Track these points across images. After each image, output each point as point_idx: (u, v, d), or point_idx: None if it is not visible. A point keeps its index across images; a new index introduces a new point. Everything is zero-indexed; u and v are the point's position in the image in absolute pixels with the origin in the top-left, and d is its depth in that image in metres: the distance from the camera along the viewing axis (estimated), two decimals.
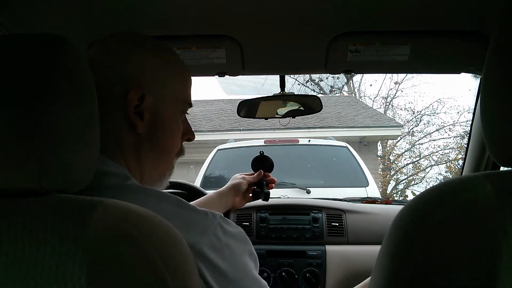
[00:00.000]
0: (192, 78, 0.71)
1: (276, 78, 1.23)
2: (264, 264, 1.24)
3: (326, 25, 0.92)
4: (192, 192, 1.40)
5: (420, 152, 13.06)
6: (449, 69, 1.14)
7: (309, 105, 1.31)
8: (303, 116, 1.76)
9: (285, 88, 1.23)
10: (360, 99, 12.25)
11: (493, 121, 0.44)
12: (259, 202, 1.23)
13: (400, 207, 0.51)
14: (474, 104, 1.25)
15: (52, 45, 0.43)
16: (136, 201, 0.46)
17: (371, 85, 19.26)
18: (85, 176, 0.46)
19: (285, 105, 1.30)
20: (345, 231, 1.30)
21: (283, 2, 0.82)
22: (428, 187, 0.48)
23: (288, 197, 2.22)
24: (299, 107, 1.31)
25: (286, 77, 1.22)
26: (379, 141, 10.11)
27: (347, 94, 12.75)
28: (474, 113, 1.25)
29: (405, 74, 12.67)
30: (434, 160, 12.68)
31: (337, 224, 1.31)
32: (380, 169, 10.79)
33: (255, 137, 5.57)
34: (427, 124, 13.58)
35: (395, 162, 12.87)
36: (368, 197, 2.05)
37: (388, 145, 12.87)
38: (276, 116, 1.32)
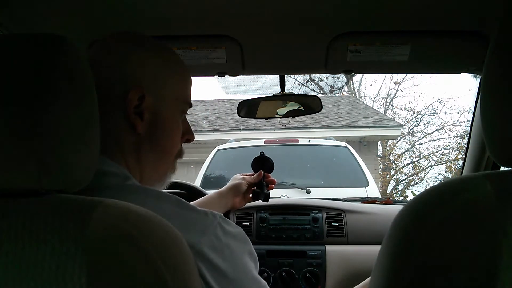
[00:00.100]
0: (192, 78, 0.71)
1: (276, 78, 1.23)
2: (264, 264, 1.24)
3: (326, 25, 0.92)
4: (192, 192, 1.40)
5: (420, 152, 13.07)
6: (449, 69, 1.14)
7: (309, 105, 1.31)
8: (303, 116, 1.76)
9: (285, 88, 1.23)
10: (360, 99, 12.24)
11: (493, 121, 0.44)
12: (259, 202, 1.23)
13: (400, 207, 0.51)
14: (474, 104, 1.25)
15: (52, 45, 0.43)
16: (136, 201, 0.46)
17: (371, 85, 19.28)
18: (85, 176, 0.46)
19: (285, 105, 1.30)
20: (345, 231, 1.30)
21: (283, 2, 0.82)
22: (428, 187, 0.48)
23: (288, 197, 2.22)
24: (299, 107, 1.31)
25: (286, 77, 1.22)
26: (379, 141, 10.11)
27: (347, 94, 12.75)
28: (474, 113, 1.25)
29: (405, 74, 12.68)
30: (434, 160, 12.69)
31: (337, 224, 1.31)
32: (380, 169, 10.79)
33: (255, 137, 5.57)
34: (427, 124, 13.61)
35: (395, 162, 12.88)
36: (368, 197, 2.05)
37: (388, 145, 12.87)
38: (276, 116, 1.32)
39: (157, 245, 0.41)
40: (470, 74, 1.20)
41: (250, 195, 1.22)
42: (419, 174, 12.60)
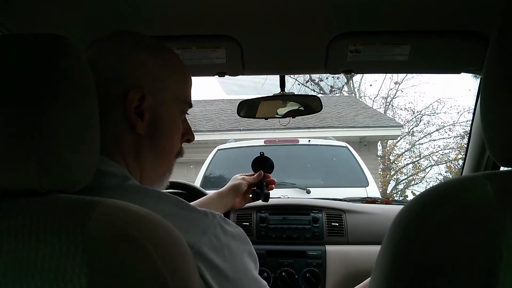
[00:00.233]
0: (192, 78, 0.71)
1: (276, 78, 1.23)
2: (264, 264, 1.24)
3: (326, 25, 0.92)
4: (192, 192, 1.40)
5: (420, 152, 13.07)
6: (449, 69, 1.14)
7: (309, 105, 1.31)
8: (303, 116, 1.76)
9: (285, 88, 1.23)
10: (360, 99, 12.24)
11: (493, 121, 0.44)
12: (259, 202, 1.23)
13: (400, 207, 0.51)
14: (474, 104, 1.25)
15: (52, 45, 0.43)
16: (136, 201, 0.46)
17: (371, 85, 19.28)
18: (85, 176, 0.46)
19: (285, 105, 1.30)
20: (345, 231, 1.30)
21: (283, 2, 0.82)
22: (428, 187, 0.48)
23: (288, 197, 2.22)
24: (299, 107, 1.31)
25: (286, 77, 1.22)
26: (379, 141, 10.11)
27: (347, 94, 12.75)
28: (474, 113, 1.25)
29: (405, 74, 12.68)
30: (434, 160, 12.69)
31: (337, 224, 1.31)
32: (380, 169, 10.79)
33: (255, 137, 5.57)
34: (427, 124, 13.61)
35: (395, 162, 12.88)
36: (368, 197, 2.05)
37: (388, 145, 12.87)
38: (276, 116, 1.32)
39: (157, 245, 0.41)
40: (470, 74, 1.20)
41: (250, 195, 1.22)
42: (419, 174, 12.60)
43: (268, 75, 1.50)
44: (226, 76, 1.15)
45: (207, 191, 1.39)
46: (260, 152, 1.27)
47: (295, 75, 9.57)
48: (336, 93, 12.36)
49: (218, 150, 3.88)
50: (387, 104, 14.00)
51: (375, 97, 14.82)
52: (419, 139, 13.22)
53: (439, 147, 13.08)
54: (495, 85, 0.44)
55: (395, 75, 13.42)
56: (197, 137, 0.74)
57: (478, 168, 1.25)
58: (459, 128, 12.94)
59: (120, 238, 0.40)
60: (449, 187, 0.43)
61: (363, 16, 0.89)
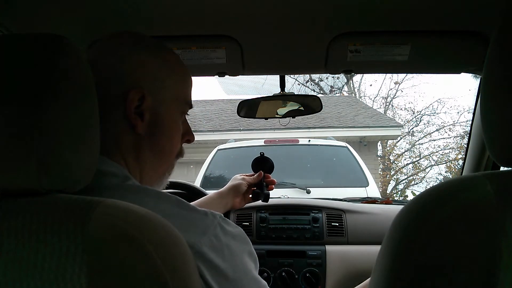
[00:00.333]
0: (192, 78, 0.71)
1: (276, 78, 1.23)
2: (264, 264, 1.24)
3: (326, 25, 0.92)
4: (192, 192, 1.40)
5: (420, 152, 13.07)
6: (449, 69, 1.14)
7: (309, 105, 1.31)
8: (303, 116, 1.76)
9: (285, 88, 1.23)
10: (360, 99, 12.24)
11: (493, 121, 0.44)
12: (259, 202, 1.23)
13: (400, 207, 0.51)
14: (474, 104, 1.25)
15: (52, 45, 0.43)
16: (136, 201, 0.46)
17: (371, 85, 19.29)
18: (85, 176, 0.46)
19: (285, 105, 1.30)
20: (345, 231, 1.30)
21: (283, 2, 0.82)
22: (428, 187, 0.48)
23: (288, 197, 2.22)
24: (299, 107, 1.31)
25: (286, 77, 1.22)
26: (379, 141, 10.11)
27: (347, 94, 12.75)
28: (474, 113, 1.25)
29: (405, 74, 12.68)
30: (434, 160, 12.69)
31: (337, 224, 1.31)
32: (380, 169, 10.79)
33: (255, 137, 5.57)
34: (427, 124, 13.60)
35: (395, 162, 12.88)
36: (368, 197, 2.05)
37: (388, 145, 12.87)
38: (276, 116, 1.32)
39: (157, 245, 0.41)
40: (470, 74, 1.20)
41: (250, 196, 1.22)
42: (419, 174, 12.60)
43: (268, 75, 1.50)
44: (226, 76, 1.15)
45: (207, 191, 1.39)
46: (260, 153, 1.27)
47: (295, 75, 9.57)
48: (336, 93, 12.36)
49: (218, 150, 3.88)
50: (387, 104, 14.02)
51: (375, 97, 14.83)
52: (419, 139, 13.23)
53: (439, 147, 13.09)
54: (495, 85, 0.44)
55: (395, 75, 13.43)
56: (197, 137, 0.74)
57: (478, 168, 1.25)
58: (459, 128, 12.96)
59: (120, 238, 0.40)
60: (449, 187, 0.43)
61: (363, 16, 0.89)
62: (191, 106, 0.68)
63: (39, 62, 0.41)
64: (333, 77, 11.43)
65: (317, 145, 3.84)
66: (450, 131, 13.10)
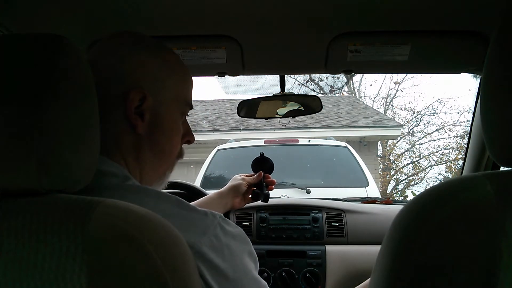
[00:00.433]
0: (192, 78, 0.71)
1: (276, 78, 1.23)
2: (264, 264, 1.24)
3: (326, 25, 0.92)
4: (192, 192, 1.40)
5: (420, 152, 13.07)
6: (449, 69, 1.14)
7: (309, 105, 1.31)
8: (303, 116, 1.76)
9: (285, 88, 1.23)
10: (360, 99, 12.24)
11: (493, 121, 0.45)
12: (259, 202, 1.23)
13: (400, 207, 0.51)
14: (474, 104, 1.25)
15: (52, 45, 0.43)
16: (136, 201, 0.46)
17: (371, 85, 19.29)
18: (85, 176, 0.46)
19: (285, 105, 1.30)
20: (345, 231, 1.30)
21: (283, 2, 0.82)
22: (428, 187, 0.48)
23: (288, 197, 2.22)
24: (299, 107, 1.31)
25: (286, 77, 1.22)
26: (379, 141, 10.11)
27: (347, 94, 12.74)
28: (474, 113, 1.25)
29: (405, 74, 12.68)
30: (434, 160, 12.69)
31: (337, 224, 1.31)
32: (380, 169, 10.79)
33: (255, 137, 5.57)
34: (427, 124, 13.60)
35: (395, 162, 12.87)
36: (368, 197, 2.05)
37: (388, 145, 12.87)
38: (276, 116, 1.32)
39: (157, 245, 0.41)
40: (470, 74, 1.20)
41: (250, 196, 1.22)
42: (419, 174, 12.60)
43: (268, 75, 1.50)
44: (226, 76, 1.15)
45: (207, 191, 1.39)
46: (260, 153, 1.27)
47: (295, 75, 9.57)
48: (336, 93, 12.36)
49: (218, 150, 3.88)
50: (387, 104, 14.01)
51: (375, 97, 14.85)
52: (419, 139, 13.23)
53: (439, 147, 13.09)
54: (495, 85, 0.44)
55: (395, 75, 13.43)
56: (197, 137, 0.74)
57: (478, 168, 1.25)
58: (459, 128, 12.96)
59: (120, 238, 0.40)
60: (449, 187, 0.43)
61: (363, 16, 0.89)
62: (191, 107, 0.68)
63: (39, 62, 0.41)
64: (333, 77, 11.43)
65: (317, 145, 3.84)
66: (450, 131, 13.12)
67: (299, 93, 2.96)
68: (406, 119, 13.64)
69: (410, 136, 13.25)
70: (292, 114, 1.32)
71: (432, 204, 0.43)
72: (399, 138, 12.32)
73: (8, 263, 0.38)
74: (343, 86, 12.72)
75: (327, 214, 1.33)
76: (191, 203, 0.58)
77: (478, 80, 1.24)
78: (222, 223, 0.57)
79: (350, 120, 8.03)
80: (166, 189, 0.71)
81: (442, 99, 18.89)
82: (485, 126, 0.46)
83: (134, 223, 0.41)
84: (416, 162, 12.88)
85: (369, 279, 0.68)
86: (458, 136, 12.63)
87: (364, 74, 11.61)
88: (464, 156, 1.35)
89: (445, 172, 12.39)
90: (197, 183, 3.40)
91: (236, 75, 1.15)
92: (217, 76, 1.15)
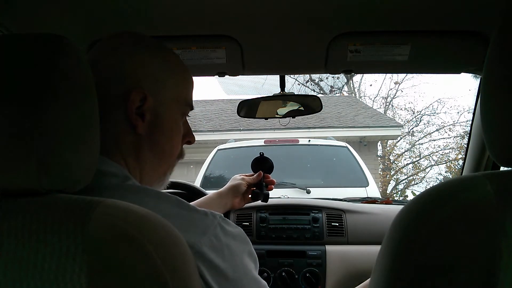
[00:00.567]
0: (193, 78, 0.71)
1: (276, 78, 1.23)
2: (264, 264, 1.24)
3: (326, 25, 0.92)
4: (192, 192, 1.40)
5: (420, 152, 13.07)
6: (449, 69, 1.14)
7: (309, 105, 1.31)
8: (303, 116, 1.76)
9: (285, 88, 1.23)
10: (360, 99, 12.24)
11: (493, 121, 0.45)
12: (259, 202, 1.23)
13: (400, 207, 0.51)
14: (474, 104, 1.25)
15: (52, 45, 0.43)
16: (136, 201, 0.46)
17: (371, 85, 19.30)
18: (85, 176, 0.46)
19: (285, 105, 1.30)
20: (345, 231, 1.30)
21: (283, 2, 0.82)
22: (428, 187, 0.48)
23: (288, 197, 2.22)
24: (299, 107, 1.31)
25: (286, 77, 1.22)
26: (379, 141, 10.11)
27: (347, 94, 12.74)
28: (474, 113, 1.25)
29: (405, 74, 12.68)
30: (434, 160, 12.69)
31: (337, 224, 1.31)
32: (380, 169, 10.79)
33: (255, 137, 5.57)
34: (427, 124, 13.61)
35: (395, 162, 12.88)
36: (368, 197, 2.05)
37: (388, 145, 12.87)
38: (276, 116, 1.32)
39: (157, 245, 0.41)
40: (470, 74, 1.20)
41: (250, 196, 1.22)
42: (419, 174, 12.60)
43: (268, 75, 1.50)
44: (226, 76, 1.15)
45: (207, 191, 1.39)
46: (260, 153, 1.27)
47: (295, 75, 9.57)
48: (336, 93, 12.36)
49: (218, 150, 3.88)
50: (387, 104, 14.02)
51: (375, 97, 14.85)
52: (419, 139, 13.23)
53: (439, 147, 13.10)
54: (495, 85, 0.44)
55: (395, 75, 13.43)
56: (197, 137, 0.74)
57: (478, 168, 1.25)
58: (459, 128, 12.96)
59: (120, 238, 0.40)
60: (449, 187, 0.43)
61: (363, 16, 0.89)
62: (192, 108, 0.68)
63: (39, 62, 0.41)
64: (333, 77, 11.43)
65: (317, 145, 3.84)
66: (450, 131, 13.12)
67: (299, 93, 2.96)
68: (406, 119, 13.66)
69: (410, 136, 13.27)
70: (292, 114, 1.32)
71: (432, 204, 0.43)
72: (399, 138, 12.33)
73: (8, 263, 0.38)
74: (343, 86, 12.72)
75: (327, 214, 1.33)
76: (190, 203, 0.58)
77: (478, 80, 1.24)
78: (222, 223, 0.57)
79: (350, 120, 8.03)
80: (166, 189, 0.71)
81: (442, 99, 18.92)
82: (485, 126, 0.46)
83: (134, 223, 0.41)
84: (416, 162, 12.88)
85: (369, 279, 0.68)
86: (458, 136, 12.65)
87: (364, 74, 11.62)
88: (464, 156, 1.35)
89: (445, 172, 12.40)
90: (197, 183, 3.40)
91: (236, 75, 1.15)
92: (217, 76, 1.15)
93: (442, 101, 18.32)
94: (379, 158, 11.08)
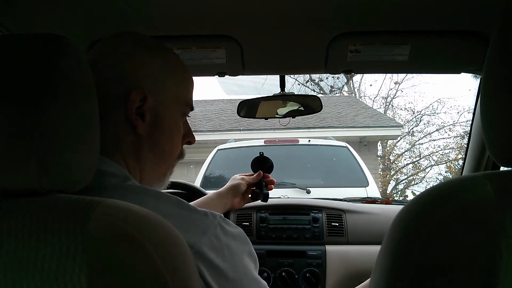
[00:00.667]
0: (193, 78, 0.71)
1: (276, 78, 1.23)
2: (264, 264, 1.24)
3: (326, 25, 0.92)
4: (192, 192, 1.40)
5: (420, 152, 13.07)
6: (449, 69, 1.14)
7: (309, 105, 1.31)
8: (303, 116, 1.76)
9: (285, 88, 1.23)
10: (360, 99, 12.24)
11: (493, 121, 0.45)
12: (259, 202, 1.23)
13: (400, 207, 0.51)
14: (474, 104, 1.25)
15: (52, 45, 0.43)
16: (136, 201, 0.46)
17: (371, 85, 19.30)
18: (85, 176, 0.46)
19: (285, 105, 1.30)
20: (345, 231, 1.30)
21: (283, 2, 0.82)
22: (428, 187, 0.48)
23: (288, 197, 2.22)
24: (299, 107, 1.31)
25: (286, 77, 1.22)
26: (379, 141, 10.11)
27: (347, 94, 12.74)
28: (474, 113, 1.25)
29: (405, 74, 12.68)
30: (434, 160, 12.69)
31: (337, 224, 1.31)
32: (380, 169, 10.79)
33: (255, 137, 5.57)
34: (427, 124, 13.61)
35: (395, 162, 12.88)
36: (368, 197, 2.05)
37: (388, 145, 12.87)
38: (276, 116, 1.32)
39: (157, 245, 0.41)
40: (470, 74, 1.20)
41: (249, 196, 1.22)
42: (419, 174, 12.60)
43: (268, 75, 1.50)
44: (226, 76, 1.15)
45: (207, 191, 1.39)
46: (260, 152, 1.27)
47: (295, 75, 9.57)
48: (336, 93, 12.36)
49: (218, 150, 3.88)
50: (387, 104, 14.02)
51: (375, 97, 14.85)
52: (419, 139, 13.23)
53: (439, 147, 13.09)
54: (495, 85, 0.44)
55: (395, 75, 13.43)
56: (197, 137, 0.74)
57: (478, 168, 1.25)
58: (459, 128, 12.96)
59: (120, 238, 0.40)
60: (449, 187, 0.43)
61: (363, 16, 0.89)
62: (192, 108, 0.68)
63: (39, 62, 0.41)
64: (333, 77, 11.43)
65: (317, 145, 3.84)
66: (450, 131, 13.12)
67: (299, 93, 2.96)
68: (406, 119, 13.66)
69: (410, 136, 13.27)
70: (292, 114, 1.32)
71: (432, 204, 0.43)
72: (399, 138, 12.33)
73: (8, 263, 0.38)
74: (343, 86, 12.72)
75: (327, 214, 1.33)
76: (190, 203, 0.58)
77: (478, 80, 1.24)
78: (222, 223, 0.57)
79: (350, 120, 8.03)
80: (166, 189, 0.71)
81: (442, 99, 18.92)
82: (485, 126, 0.46)
83: (134, 223, 0.41)
84: (416, 162, 12.88)
85: (369, 279, 0.68)
86: (458, 136, 12.65)
87: (364, 74, 11.62)
88: (464, 156, 1.35)
89: (445, 172, 12.40)
90: (197, 183, 3.40)
91: (236, 75, 1.15)
92: (217, 76, 1.15)
93: (442, 101, 18.34)
94: (379, 158, 11.08)
